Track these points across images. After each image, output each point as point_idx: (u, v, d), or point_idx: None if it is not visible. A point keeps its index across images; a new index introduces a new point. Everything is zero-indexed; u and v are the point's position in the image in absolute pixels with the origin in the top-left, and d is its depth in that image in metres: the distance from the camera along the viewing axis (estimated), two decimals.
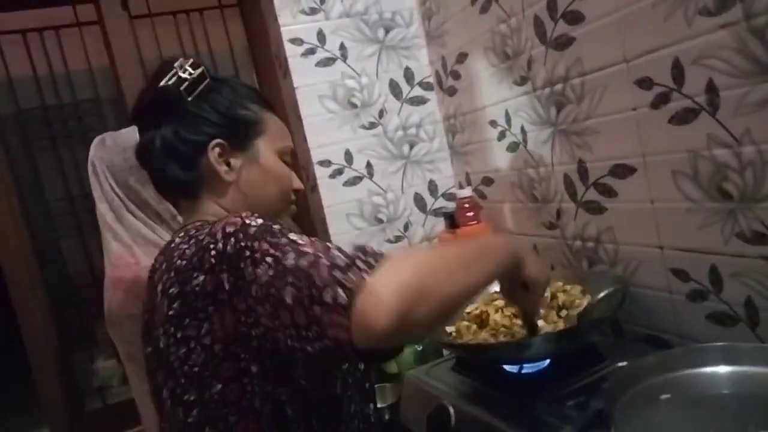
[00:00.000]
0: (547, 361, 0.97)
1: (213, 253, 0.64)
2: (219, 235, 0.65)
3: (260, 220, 0.65)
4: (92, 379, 2.53)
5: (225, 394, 0.65)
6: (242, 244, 0.62)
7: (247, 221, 0.65)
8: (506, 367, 0.99)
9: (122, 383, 2.50)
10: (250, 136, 0.82)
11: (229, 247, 0.63)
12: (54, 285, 2.47)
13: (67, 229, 2.68)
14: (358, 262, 0.57)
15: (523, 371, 0.97)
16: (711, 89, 0.82)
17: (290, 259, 0.59)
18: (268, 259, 0.60)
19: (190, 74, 0.78)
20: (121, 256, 1.09)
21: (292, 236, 0.63)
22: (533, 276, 0.76)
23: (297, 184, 0.88)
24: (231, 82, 0.84)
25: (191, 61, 0.80)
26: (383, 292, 0.54)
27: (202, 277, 0.65)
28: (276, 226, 0.64)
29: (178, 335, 0.67)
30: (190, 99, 0.78)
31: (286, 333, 0.59)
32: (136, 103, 0.83)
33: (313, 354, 0.57)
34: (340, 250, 0.60)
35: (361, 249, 0.60)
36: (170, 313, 0.67)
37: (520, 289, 0.78)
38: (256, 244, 0.62)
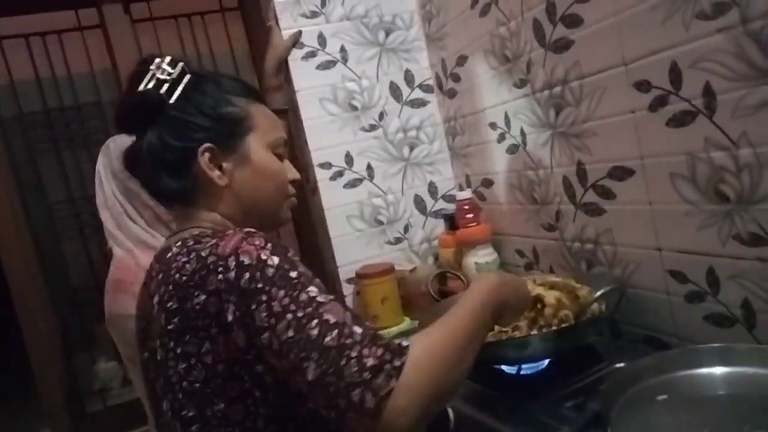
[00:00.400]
0: (546, 361, 0.98)
1: (220, 277, 0.63)
2: (231, 263, 0.63)
3: (276, 259, 0.64)
4: (93, 381, 2.54)
5: (229, 414, 0.64)
6: (258, 285, 0.61)
7: (263, 256, 0.63)
8: (505, 368, 1.00)
9: (123, 385, 2.51)
10: (239, 135, 0.78)
11: (242, 282, 0.62)
12: (55, 287, 2.48)
13: (68, 232, 2.69)
14: (387, 367, 0.58)
15: (522, 372, 0.98)
16: (708, 92, 0.82)
17: (315, 330, 0.59)
18: (289, 317, 0.60)
19: (169, 74, 0.74)
20: (123, 259, 1.10)
21: (312, 291, 0.62)
22: (513, 303, 0.78)
23: (292, 174, 0.85)
24: (213, 77, 0.80)
25: (169, 58, 0.75)
26: (409, 403, 0.57)
27: (203, 297, 0.63)
28: (293, 273, 0.63)
29: (178, 350, 0.65)
30: (172, 102, 0.74)
31: (300, 388, 0.60)
32: (117, 109, 0.79)
33: (324, 415, 0.60)
34: (358, 321, 0.61)
35: (385, 344, 0.60)
36: (169, 327, 0.66)
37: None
38: (274, 292, 0.61)
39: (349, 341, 0.59)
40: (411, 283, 1.49)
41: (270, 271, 0.62)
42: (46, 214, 2.67)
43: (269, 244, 0.65)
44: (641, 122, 0.95)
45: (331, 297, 0.63)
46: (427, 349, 0.62)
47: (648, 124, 0.94)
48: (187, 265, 0.66)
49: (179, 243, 0.71)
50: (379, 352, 0.59)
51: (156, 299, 0.69)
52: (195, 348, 0.64)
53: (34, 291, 2.10)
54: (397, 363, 0.58)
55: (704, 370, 0.75)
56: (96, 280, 2.61)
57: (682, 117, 0.88)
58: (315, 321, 0.60)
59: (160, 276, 0.70)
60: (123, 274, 1.09)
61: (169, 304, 0.66)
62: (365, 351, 0.58)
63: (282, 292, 0.61)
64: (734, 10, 0.76)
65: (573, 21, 1.05)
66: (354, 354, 0.58)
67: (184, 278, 0.65)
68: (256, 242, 0.65)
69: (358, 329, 0.60)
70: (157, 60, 0.75)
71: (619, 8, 0.94)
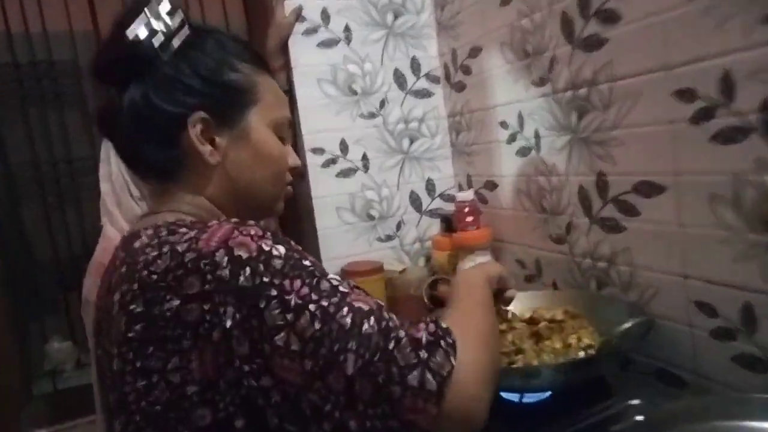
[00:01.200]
0: (550, 391, 0.88)
1: (209, 277, 0.51)
2: (222, 259, 0.52)
3: (282, 249, 0.54)
4: (44, 361, 2.37)
5: None
6: (265, 279, 0.51)
7: (265, 247, 0.53)
8: (505, 395, 0.90)
9: (76, 368, 2.35)
10: (240, 107, 0.67)
11: (242, 278, 0.51)
12: (12, 256, 2.31)
13: (30, 199, 2.51)
14: (443, 343, 0.52)
15: (524, 401, 0.89)
16: (767, 108, 0.73)
17: (347, 319, 0.52)
18: (312, 308, 0.51)
19: (166, 24, 0.62)
20: (112, 240, 1.02)
21: (333, 279, 0.55)
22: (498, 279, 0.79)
23: (293, 161, 0.74)
24: (216, 35, 0.68)
25: (167, 4, 0.63)
26: (474, 383, 0.53)
27: (176, 302, 0.51)
28: (306, 261, 0.55)
29: (138, 364, 0.53)
30: (165, 58, 0.63)
31: (328, 399, 0.50)
32: (97, 56, 0.65)
33: (355, 429, 0.50)
34: (381, 307, 0.55)
35: (433, 321, 0.55)
36: (129, 335, 0.54)
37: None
38: (287, 284, 0.52)
39: (391, 324, 0.53)
40: (399, 285, 1.40)
41: (278, 263, 0.53)
42: (6, 177, 2.48)
43: (268, 233, 0.56)
44: (680, 135, 0.86)
45: (354, 285, 0.57)
46: (470, 327, 0.59)
47: (688, 137, 0.85)
48: (159, 261, 0.54)
49: (150, 231, 0.59)
50: (432, 327, 0.54)
51: (117, 296, 0.57)
52: (159, 363, 0.52)
53: None
54: (449, 340, 0.53)
55: (751, 424, 0.66)
56: (54, 253, 2.45)
57: (730, 133, 0.79)
58: (345, 309, 0.52)
59: (124, 269, 0.58)
60: (107, 258, 1.00)
61: (131, 307, 0.54)
62: (413, 330, 0.53)
63: (298, 282, 0.52)
64: None
65: (609, 17, 0.96)
66: (402, 334, 0.52)
67: (154, 277, 0.53)
68: (252, 232, 0.55)
69: (393, 315, 0.55)
70: (153, 2, 0.62)
71: (665, 6, 0.85)
